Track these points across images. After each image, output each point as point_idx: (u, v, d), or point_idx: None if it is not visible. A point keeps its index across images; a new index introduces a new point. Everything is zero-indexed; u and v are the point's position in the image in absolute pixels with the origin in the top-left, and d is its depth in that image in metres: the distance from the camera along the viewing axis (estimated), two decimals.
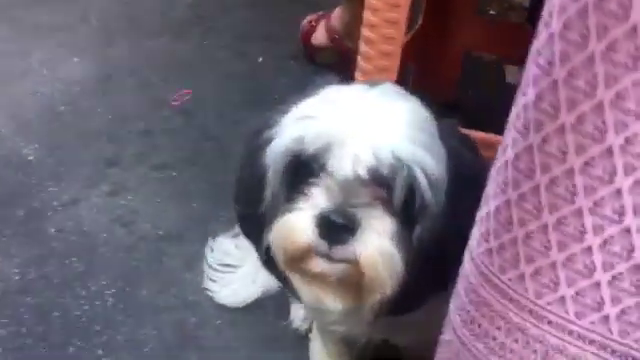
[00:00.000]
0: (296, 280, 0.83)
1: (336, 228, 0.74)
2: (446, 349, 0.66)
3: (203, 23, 2.43)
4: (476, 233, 0.59)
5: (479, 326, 0.59)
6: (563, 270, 0.51)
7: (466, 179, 0.79)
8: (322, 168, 0.77)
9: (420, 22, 1.73)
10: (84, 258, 1.49)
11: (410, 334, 0.99)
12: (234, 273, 1.44)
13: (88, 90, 2.05)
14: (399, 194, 0.76)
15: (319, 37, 2.15)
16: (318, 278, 0.80)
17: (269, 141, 0.82)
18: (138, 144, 1.84)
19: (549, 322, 0.53)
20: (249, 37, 2.34)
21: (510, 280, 0.55)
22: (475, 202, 0.81)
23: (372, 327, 0.98)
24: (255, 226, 0.86)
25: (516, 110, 0.53)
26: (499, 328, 0.57)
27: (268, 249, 0.83)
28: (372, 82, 0.83)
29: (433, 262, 0.78)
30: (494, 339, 0.58)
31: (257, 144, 0.85)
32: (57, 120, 1.92)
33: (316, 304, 0.84)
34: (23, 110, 1.94)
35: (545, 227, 0.51)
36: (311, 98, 0.81)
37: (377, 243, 0.75)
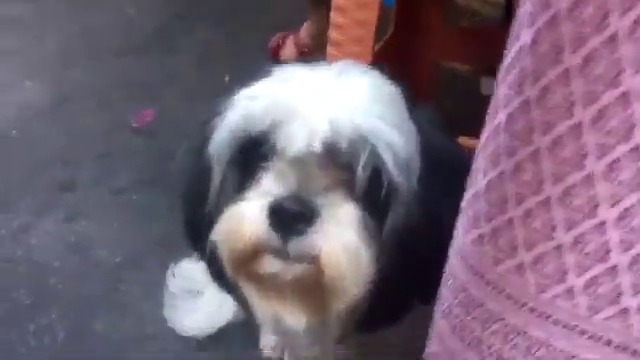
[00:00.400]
0: (248, 290, 0.71)
1: (291, 218, 0.63)
2: None
3: (165, 43, 2.34)
4: (463, 220, 0.49)
5: (471, 332, 0.49)
6: (571, 254, 0.41)
7: (441, 164, 0.69)
8: (272, 149, 0.67)
9: (390, 32, 1.67)
10: (33, 289, 1.36)
11: (391, 355, 0.88)
12: (198, 300, 1.31)
13: (42, 114, 1.93)
14: (361, 175, 0.65)
15: (287, 52, 2.08)
16: (273, 285, 0.68)
17: (214, 129, 0.71)
18: (95, 168, 1.73)
19: (555, 321, 0.44)
20: (214, 56, 2.25)
21: (506, 272, 0.45)
22: (453, 190, 0.72)
23: (347, 349, 0.87)
24: (199, 233, 0.74)
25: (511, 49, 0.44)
26: (494, 333, 0.47)
27: (213, 253, 0.70)
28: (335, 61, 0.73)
29: (409, 261, 0.67)
30: (489, 347, 0.48)
31: (202, 135, 0.75)
32: (7, 144, 1.79)
33: (274, 320, 0.72)
34: None
35: (547, 202, 0.41)
36: (261, 78, 0.72)
37: (339, 234, 0.63)
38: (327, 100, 0.65)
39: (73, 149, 1.79)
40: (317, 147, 0.64)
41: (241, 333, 1.27)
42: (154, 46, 2.33)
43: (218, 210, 0.70)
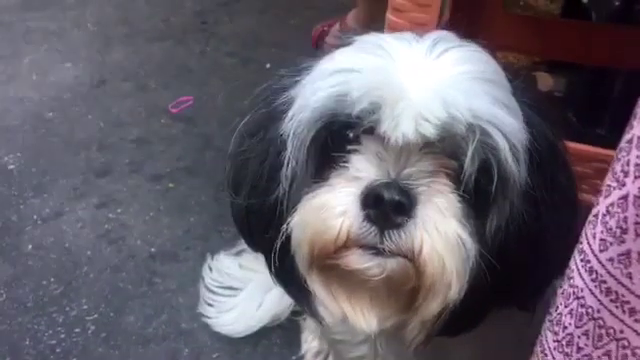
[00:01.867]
0: (319, 289, 0.62)
1: (390, 209, 0.54)
2: None
3: (207, 29, 2.27)
4: (597, 230, 0.39)
5: None
6: None
7: (544, 153, 0.60)
8: (366, 132, 0.57)
9: (446, 18, 1.56)
10: (63, 279, 1.30)
11: None
12: (236, 297, 1.23)
13: (80, 96, 1.88)
14: (470, 164, 0.55)
15: (332, 40, 1.99)
16: (352, 283, 0.60)
17: (289, 104, 0.62)
18: (132, 153, 1.66)
19: None
20: (256, 44, 2.18)
21: None
22: (558, 188, 0.63)
23: (409, 357, 0.77)
24: (264, 221, 0.65)
25: None
26: None
27: (283, 249, 0.62)
28: (416, 32, 0.63)
29: (507, 264, 0.58)
30: None
31: (269, 112, 0.65)
32: (43, 127, 1.74)
33: (344, 323, 0.64)
34: (7, 116, 1.77)
35: None
36: (344, 49, 0.62)
37: (443, 227, 0.54)
38: (434, 76, 0.56)
39: (109, 133, 1.74)
40: (430, 132, 0.54)
41: (281, 335, 1.19)
42: (194, 32, 2.27)
43: (293, 197, 0.61)
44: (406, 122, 0.54)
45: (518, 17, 1.83)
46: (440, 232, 0.54)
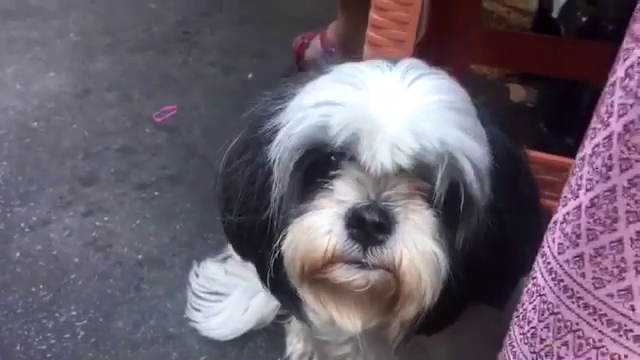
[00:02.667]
0: (309, 299, 0.68)
1: (371, 228, 0.61)
2: None
3: (189, 39, 2.31)
4: (556, 235, 0.45)
5: (559, 359, 0.45)
6: None
7: (506, 167, 0.67)
8: (348, 159, 0.64)
9: (422, 34, 1.63)
10: (52, 285, 1.33)
11: None
12: (222, 302, 1.27)
13: (64, 105, 1.90)
14: (441, 186, 0.62)
15: (312, 53, 2.04)
16: (340, 291, 0.66)
17: (274, 131, 0.67)
18: (117, 162, 1.69)
19: None
20: (238, 54, 2.22)
21: (609, 297, 0.41)
22: (520, 196, 0.69)
23: (391, 357, 0.83)
24: (255, 236, 0.71)
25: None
26: None
27: (275, 264, 0.67)
28: (389, 58, 0.69)
29: (475, 268, 0.65)
30: None
31: (256, 136, 0.71)
32: (28, 136, 1.76)
33: (331, 326, 0.70)
34: None
35: None
36: (324, 79, 0.68)
37: (419, 242, 0.62)
38: (405, 108, 0.62)
39: (94, 143, 1.76)
40: (404, 162, 0.61)
41: (267, 338, 1.24)
42: (176, 42, 2.30)
43: (282, 217, 0.67)
44: (382, 153, 0.61)
45: (491, 31, 1.91)
46: (417, 247, 0.61)
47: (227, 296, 1.28)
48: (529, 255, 0.55)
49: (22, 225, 1.47)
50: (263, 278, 0.73)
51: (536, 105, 1.96)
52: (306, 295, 0.68)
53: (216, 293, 1.29)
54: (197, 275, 1.32)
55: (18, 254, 1.39)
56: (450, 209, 0.64)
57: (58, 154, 1.70)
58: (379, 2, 1.15)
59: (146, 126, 1.84)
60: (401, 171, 0.63)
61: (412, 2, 1.14)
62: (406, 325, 0.68)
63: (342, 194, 0.63)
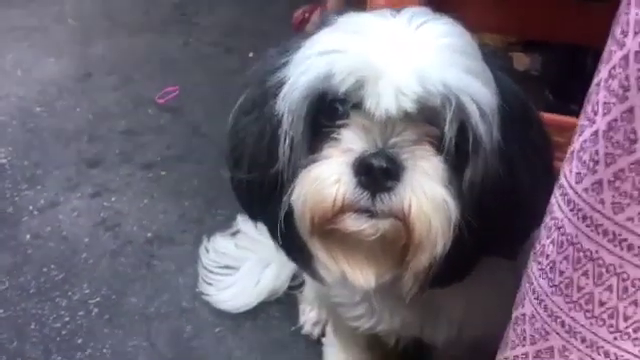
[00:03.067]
0: (320, 253, 0.68)
1: (379, 175, 0.60)
2: (525, 327, 0.52)
3: (188, 20, 2.30)
4: (573, 165, 0.45)
5: (579, 289, 0.45)
6: None
7: (516, 112, 0.66)
8: (354, 107, 0.63)
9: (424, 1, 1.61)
10: (64, 265, 1.33)
11: (451, 324, 0.85)
12: (233, 275, 1.28)
13: (66, 90, 1.90)
14: (448, 130, 0.62)
15: (313, 28, 2.03)
16: (350, 244, 0.66)
17: (280, 85, 0.67)
18: (122, 143, 1.69)
19: None
20: (238, 33, 2.21)
21: (630, 220, 0.41)
22: (530, 147, 0.69)
23: (405, 315, 0.83)
24: (265, 192, 0.71)
25: None
26: (610, 289, 0.43)
27: (285, 219, 0.67)
28: (394, 8, 0.68)
29: (485, 217, 0.64)
30: (602, 304, 0.44)
31: (263, 92, 0.70)
32: (32, 121, 1.76)
33: (344, 286, 0.70)
34: None
35: None
36: (330, 29, 0.67)
37: (428, 188, 0.61)
38: (410, 54, 0.62)
39: (98, 125, 1.76)
40: (408, 106, 0.61)
41: (279, 308, 1.24)
42: (175, 23, 2.30)
43: (291, 170, 0.67)
44: (387, 98, 0.60)
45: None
46: (426, 193, 0.61)
47: (238, 269, 1.29)
48: (540, 209, 0.54)
49: (30, 208, 1.47)
50: (274, 235, 0.72)
51: (540, 73, 1.95)
52: (317, 250, 0.68)
53: (227, 267, 1.29)
54: (207, 250, 1.32)
55: (28, 236, 1.40)
56: (459, 154, 0.64)
57: (63, 137, 1.71)
58: None
59: (149, 107, 1.84)
60: (408, 117, 0.62)
61: None
62: (419, 277, 0.67)
63: (349, 142, 0.63)
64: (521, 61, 1.96)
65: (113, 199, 1.51)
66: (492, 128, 0.63)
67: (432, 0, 1.61)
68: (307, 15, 2.05)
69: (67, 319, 1.23)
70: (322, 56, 0.63)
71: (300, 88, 0.64)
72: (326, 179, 0.62)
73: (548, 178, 0.67)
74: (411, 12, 0.66)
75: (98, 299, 1.27)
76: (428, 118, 0.63)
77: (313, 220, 0.64)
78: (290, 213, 0.67)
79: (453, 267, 0.67)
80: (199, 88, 1.93)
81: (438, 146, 0.64)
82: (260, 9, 2.32)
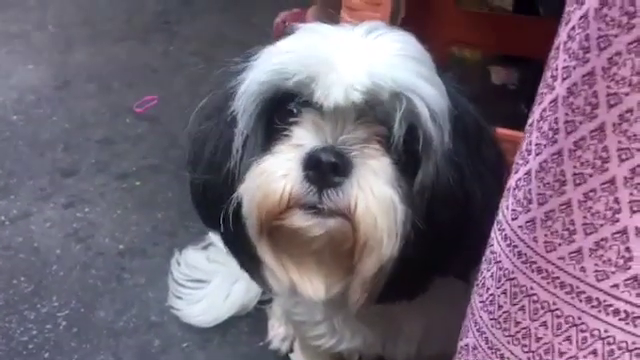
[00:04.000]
0: (268, 257, 0.68)
1: (327, 170, 0.60)
2: (468, 358, 0.52)
3: (169, 29, 2.30)
4: (509, 202, 0.45)
5: (516, 324, 0.45)
6: (638, 239, 0.38)
7: (467, 127, 0.67)
8: (306, 105, 0.64)
9: (402, 16, 1.62)
10: (34, 277, 1.32)
11: (411, 342, 0.85)
12: (204, 289, 1.27)
13: (43, 98, 1.89)
14: (398, 128, 0.62)
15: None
16: (298, 246, 0.66)
17: (238, 85, 0.68)
18: (98, 153, 1.68)
19: (615, 311, 0.40)
20: (219, 42, 2.21)
21: (561, 260, 0.41)
22: (482, 162, 0.69)
23: (366, 334, 0.84)
24: (218, 193, 0.70)
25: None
26: (545, 325, 0.43)
27: (235, 217, 0.67)
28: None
29: (435, 226, 0.64)
30: (538, 340, 0.44)
31: (223, 94, 0.71)
32: (8, 130, 1.75)
33: (293, 293, 0.69)
34: None
35: (613, 182, 0.38)
36: (289, 36, 0.68)
37: (375, 187, 0.61)
38: (362, 53, 0.63)
39: (75, 134, 1.75)
40: (357, 98, 0.61)
41: (248, 323, 1.24)
42: (157, 32, 2.29)
43: (243, 167, 0.67)
44: (336, 90, 0.61)
45: (471, 13, 1.91)
46: (373, 191, 0.61)
47: (209, 283, 1.28)
48: (490, 229, 0.55)
49: (2, 218, 1.46)
50: (225, 240, 0.73)
51: (517, 87, 1.97)
52: (266, 254, 0.67)
53: (198, 280, 1.29)
54: (179, 263, 1.32)
55: None
56: (409, 157, 0.64)
57: (38, 146, 1.70)
58: None
59: (127, 117, 1.83)
60: (360, 116, 0.63)
61: None
62: (367, 285, 0.66)
63: (299, 138, 0.63)
64: (499, 75, 1.98)
65: (86, 210, 1.50)
66: (443, 132, 0.63)
67: (411, 16, 1.64)
68: (287, 23, 2.05)
69: (35, 332, 1.21)
70: (277, 55, 0.65)
71: (253, 84, 0.65)
72: (274, 172, 0.63)
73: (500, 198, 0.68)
74: (370, 25, 0.68)
75: (67, 312, 1.25)
76: (379, 118, 0.64)
77: (261, 216, 0.64)
78: (240, 215, 0.67)
79: (402, 280, 0.67)
80: (178, 98, 1.92)
81: (388, 147, 0.64)
82: (242, 19, 2.33)
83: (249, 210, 0.65)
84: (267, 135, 0.67)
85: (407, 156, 0.64)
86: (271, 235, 0.66)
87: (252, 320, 1.25)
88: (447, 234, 0.65)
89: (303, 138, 0.63)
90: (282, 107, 0.66)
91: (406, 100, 0.61)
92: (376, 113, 0.63)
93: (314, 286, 0.68)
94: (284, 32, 2.00)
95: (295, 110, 0.65)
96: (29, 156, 1.66)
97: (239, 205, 0.66)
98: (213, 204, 0.72)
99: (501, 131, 0.93)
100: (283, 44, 0.67)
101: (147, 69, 2.06)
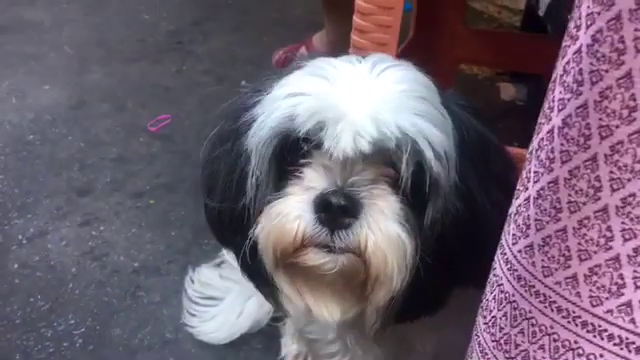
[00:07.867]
0: (285, 285, 0.71)
1: (338, 212, 0.64)
2: None
3: (182, 49, 2.34)
4: (510, 227, 0.47)
5: (516, 347, 0.47)
6: (630, 266, 0.39)
7: (475, 146, 0.69)
8: (316, 148, 0.67)
9: (410, 36, 1.65)
10: (50, 295, 1.35)
11: (424, 358, 0.86)
12: (217, 306, 1.30)
13: (59, 118, 1.93)
14: (405, 170, 0.65)
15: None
16: (312, 278, 0.69)
17: (251, 123, 0.71)
18: (112, 172, 1.72)
19: (610, 336, 0.42)
20: (231, 61, 2.25)
21: (558, 284, 0.43)
22: (490, 178, 0.71)
23: (378, 352, 0.85)
24: (234, 223, 0.74)
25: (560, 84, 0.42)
26: (543, 348, 0.45)
27: (251, 250, 0.70)
28: (364, 55, 0.73)
29: (448, 252, 0.67)
30: None
31: (235, 127, 0.74)
32: (24, 149, 1.79)
33: (308, 316, 0.72)
34: None
35: (605, 211, 0.39)
36: (297, 72, 0.71)
37: (384, 226, 0.64)
38: (368, 98, 0.65)
39: (90, 153, 1.79)
40: (364, 147, 0.64)
41: (262, 340, 1.26)
42: (169, 52, 2.34)
43: (258, 204, 0.70)
44: (345, 140, 0.64)
45: (479, 31, 1.93)
46: (382, 230, 0.64)
47: (222, 300, 1.30)
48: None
49: (20, 237, 1.50)
50: (242, 265, 0.75)
51: (526, 103, 1.98)
52: (282, 282, 0.71)
53: (211, 298, 1.31)
54: (192, 281, 1.34)
55: (16, 265, 1.42)
56: (417, 194, 0.67)
57: (54, 166, 1.73)
58: (362, 7, 1.18)
59: (141, 136, 1.87)
60: (367, 158, 0.66)
61: (394, 6, 1.17)
62: (380, 311, 0.70)
63: (310, 181, 0.66)
64: (507, 91, 2.00)
65: (102, 228, 1.54)
66: (448, 169, 0.66)
67: (422, 37, 1.66)
68: (289, 54, 2.09)
69: (52, 350, 1.24)
70: (287, 98, 0.67)
71: (266, 128, 0.68)
72: (288, 215, 0.66)
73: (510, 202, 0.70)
74: (375, 59, 0.70)
75: (83, 330, 1.28)
76: (386, 159, 0.67)
77: (276, 254, 0.67)
78: (255, 245, 0.70)
79: (416, 302, 0.70)
80: (191, 116, 1.96)
81: (396, 186, 0.67)
82: (253, 39, 2.37)
83: (265, 249, 0.68)
84: (279, 173, 0.70)
85: (414, 192, 0.67)
86: (286, 268, 0.69)
87: (265, 337, 1.26)
88: (461, 252, 0.67)
89: (314, 180, 0.66)
90: (293, 148, 0.68)
91: (411, 143, 0.64)
92: (383, 155, 0.66)
93: (329, 310, 0.71)
94: (289, 63, 2.03)
95: (305, 149, 0.68)
96: (45, 175, 1.70)
97: (255, 241, 0.69)
98: (228, 230, 0.76)
99: (511, 149, 0.95)
100: (291, 84, 0.69)
101: (160, 88, 2.10)
